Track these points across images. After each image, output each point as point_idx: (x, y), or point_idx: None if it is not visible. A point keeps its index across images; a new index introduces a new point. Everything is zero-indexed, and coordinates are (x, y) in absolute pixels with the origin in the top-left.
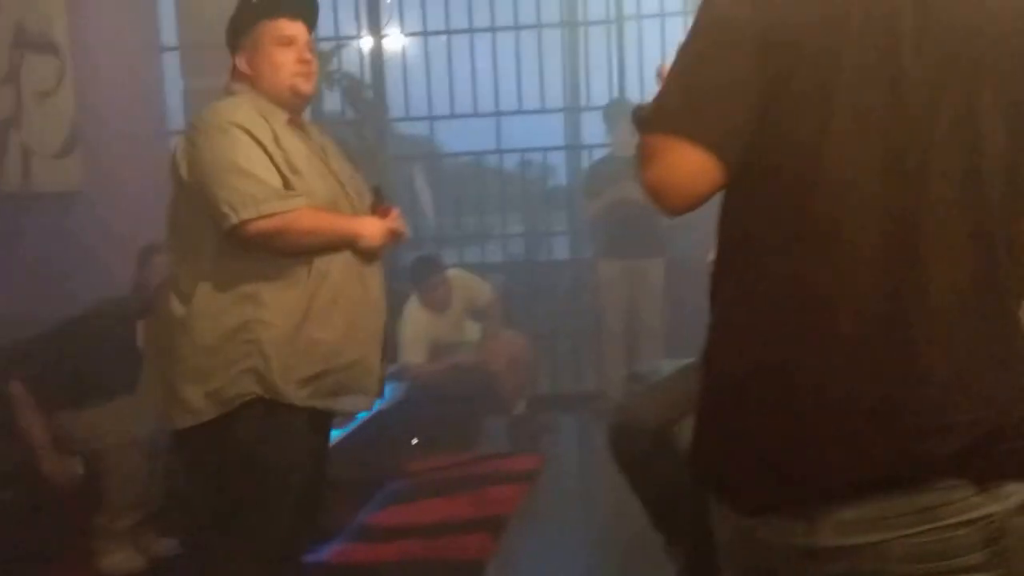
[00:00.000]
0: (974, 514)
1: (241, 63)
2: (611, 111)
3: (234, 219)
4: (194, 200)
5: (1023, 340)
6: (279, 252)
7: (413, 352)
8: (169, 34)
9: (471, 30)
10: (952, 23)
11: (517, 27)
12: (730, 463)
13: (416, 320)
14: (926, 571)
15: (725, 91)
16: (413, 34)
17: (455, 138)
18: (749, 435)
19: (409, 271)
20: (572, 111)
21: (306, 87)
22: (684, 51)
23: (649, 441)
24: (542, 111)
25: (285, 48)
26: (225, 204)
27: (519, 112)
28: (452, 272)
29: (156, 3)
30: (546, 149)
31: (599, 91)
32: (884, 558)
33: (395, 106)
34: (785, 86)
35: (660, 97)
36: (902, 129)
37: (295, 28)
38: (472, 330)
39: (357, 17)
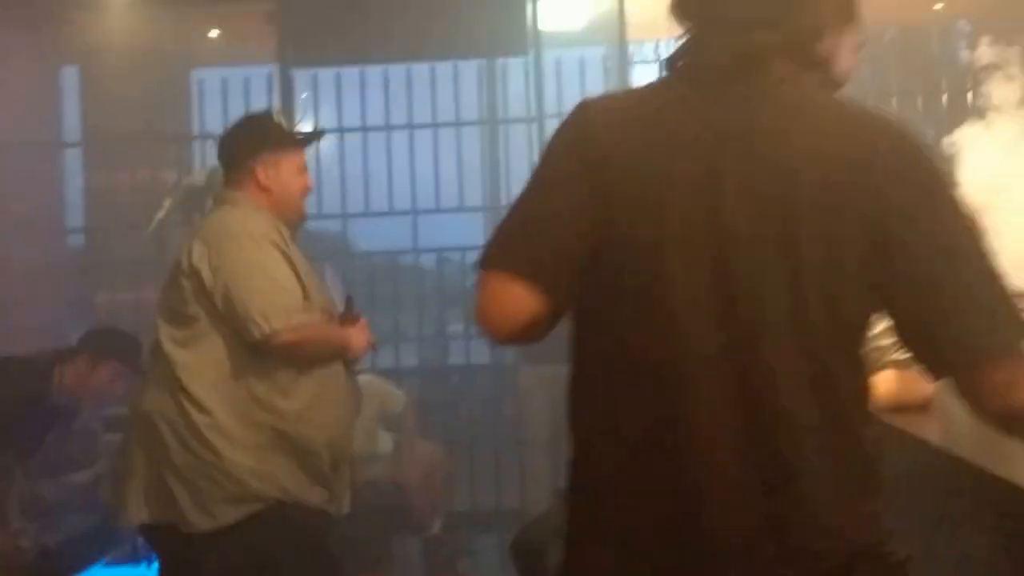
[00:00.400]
0: None
1: (263, 176)
2: None
3: (267, 329)
4: (211, 307)
5: (868, 464)
6: (296, 361)
7: None
8: (72, 131)
9: (388, 127)
10: (770, 166)
11: (436, 124)
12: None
13: None
14: None
15: (545, 224)
16: (328, 130)
17: (370, 236)
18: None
19: None
20: (492, 210)
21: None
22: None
23: (548, 557)
24: (460, 209)
25: (301, 175)
26: (259, 314)
27: (437, 211)
28: (363, 378)
29: (61, 99)
30: (465, 248)
31: (519, 189)
32: None
33: (308, 203)
34: (612, 229)
35: (490, 236)
36: (730, 269)
37: (305, 158)
38: (384, 441)
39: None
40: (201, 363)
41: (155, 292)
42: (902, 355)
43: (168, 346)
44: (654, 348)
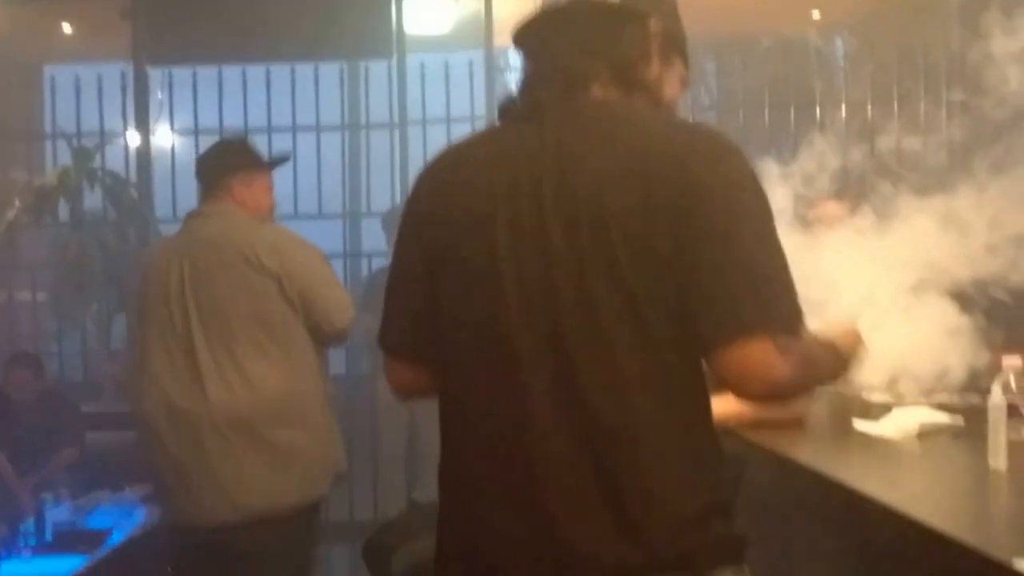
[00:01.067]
0: None
1: (239, 193)
2: (390, 219)
3: (347, 319)
4: (291, 303)
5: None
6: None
7: None
8: None
9: (247, 130)
10: (578, 174)
11: (295, 128)
12: None
13: None
14: None
15: (402, 302)
16: (183, 133)
17: None
18: None
19: None
20: (353, 216)
21: None
22: None
23: (395, 560)
24: (320, 216)
25: (269, 193)
26: (338, 307)
27: (296, 217)
28: None
29: None
30: (325, 256)
31: (381, 197)
32: None
33: (162, 205)
34: (443, 285)
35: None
36: (555, 290)
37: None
38: None
39: (124, 112)
40: (285, 352)
41: (4, 295)
42: None
43: (252, 350)
44: (495, 366)
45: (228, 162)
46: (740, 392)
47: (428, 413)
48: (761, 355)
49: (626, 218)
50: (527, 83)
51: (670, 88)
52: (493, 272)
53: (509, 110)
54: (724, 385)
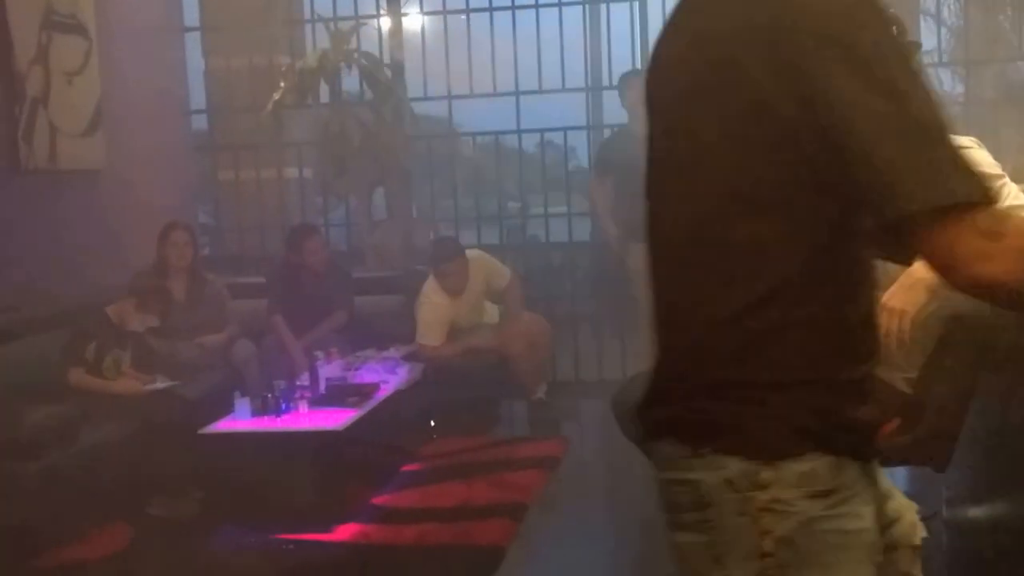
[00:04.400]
0: (688, 475)
1: None
2: (626, 82)
3: None
4: None
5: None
6: None
7: (430, 334)
8: (191, 15)
9: (491, 8)
10: (670, 57)
11: (537, 5)
12: None
13: (433, 302)
14: (667, 519)
15: None
16: (432, 13)
17: (474, 118)
18: None
19: (429, 253)
20: (594, 90)
21: None
22: None
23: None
24: (563, 90)
25: None
26: None
27: (539, 92)
28: (471, 253)
29: None
30: (567, 129)
31: (622, 70)
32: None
33: (413, 86)
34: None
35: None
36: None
37: None
38: (491, 312)
39: None
40: None
41: (273, 172)
42: None
43: None
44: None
45: None
46: (943, 276)
47: None
48: (954, 238)
49: (712, 94)
50: None
51: None
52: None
53: None
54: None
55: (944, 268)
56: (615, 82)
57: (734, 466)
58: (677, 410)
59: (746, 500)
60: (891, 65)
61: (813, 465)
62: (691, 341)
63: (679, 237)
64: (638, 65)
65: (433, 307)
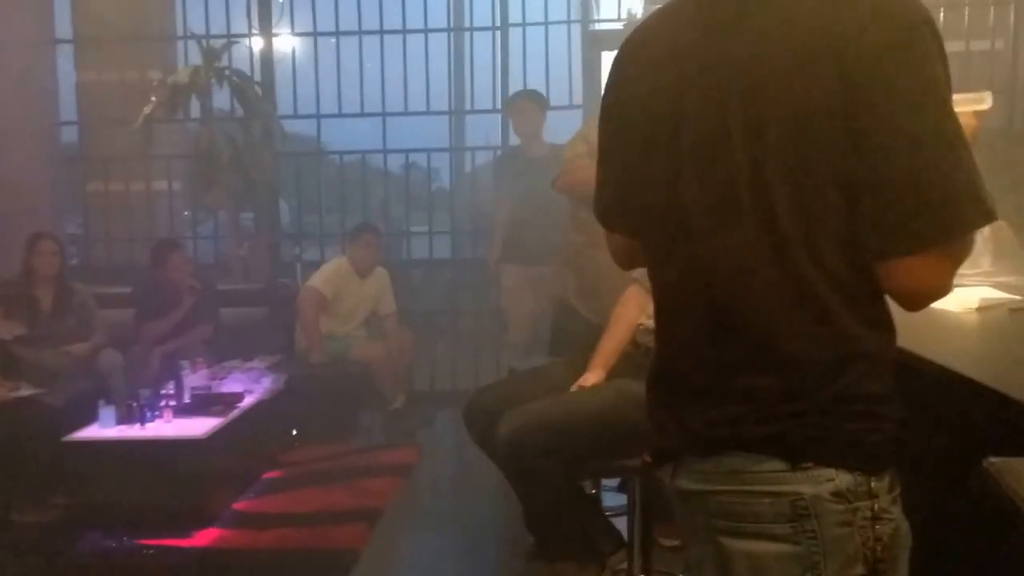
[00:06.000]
0: (780, 488)
1: None
2: (514, 106)
3: None
4: None
5: (836, 324)
6: None
7: (320, 279)
8: (64, 27)
9: (360, 32)
10: (724, 59)
11: (405, 31)
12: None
13: (339, 265)
14: (737, 529)
15: (601, 184)
16: (303, 34)
17: (341, 137)
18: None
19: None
20: (457, 114)
21: None
22: None
23: (489, 419)
24: (427, 113)
25: None
26: None
27: (405, 113)
28: (380, 270)
29: None
30: (431, 150)
31: (483, 95)
32: (707, 508)
33: (283, 104)
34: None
35: None
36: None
37: None
38: (362, 327)
39: (248, 15)
40: None
41: (142, 184)
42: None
43: None
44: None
45: None
46: (904, 303)
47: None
48: (935, 268)
49: (783, 99)
50: None
51: None
52: (671, 148)
53: None
54: (888, 293)
55: (916, 292)
56: (477, 106)
57: (843, 478)
58: (781, 426)
59: (854, 510)
60: (941, 87)
61: (892, 473)
62: (799, 365)
63: (764, 257)
64: (499, 94)
65: (336, 266)
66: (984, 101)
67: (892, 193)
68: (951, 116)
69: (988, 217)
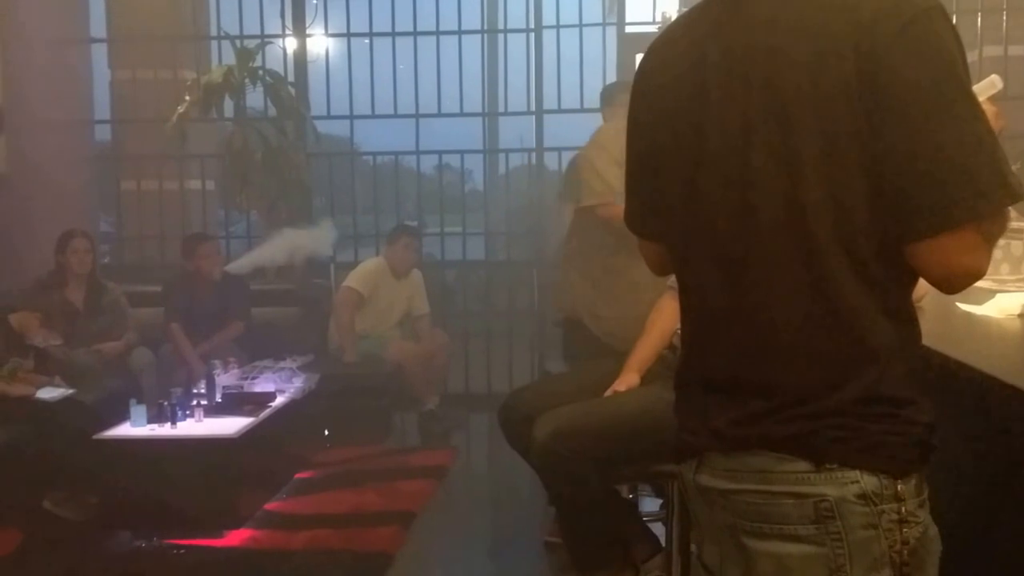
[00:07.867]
0: (805, 489)
1: None
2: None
3: None
4: None
5: (851, 331)
6: None
7: (355, 278)
8: (98, 26)
9: (394, 33)
10: (756, 50)
11: (438, 32)
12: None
13: (376, 264)
14: (761, 530)
15: (631, 192)
16: (336, 35)
17: (374, 138)
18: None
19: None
20: (490, 115)
21: None
22: None
23: (525, 422)
24: (461, 115)
25: None
26: None
27: (438, 115)
28: (416, 273)
29: None
30: (464, 152)
31: (517, 97)
32: (732, 507)
33: (316, 104)
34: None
35: None
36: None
37: None
38: (396, 328)
39: (282, 16)
40: None
41: (175, 183)
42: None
43: None
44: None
45: None
46: (940, 284)
47: None
48: (969, 247)
49: (808, 95)
50: None
51: None
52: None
53: None
54: (924, 276)
55: (952, 274)
56: (511, 108)
57: (868, 480)
58: (806, 426)
59: (879, 513)
60: (957, 68)
61: (919, 476)
62: (820, 362)
63: (788, 253)
64: (532, 96)
65: (374, 266)
66: (995, 85)
67: (916, 174)
68: (970, 97)
69: (1013, 194)
